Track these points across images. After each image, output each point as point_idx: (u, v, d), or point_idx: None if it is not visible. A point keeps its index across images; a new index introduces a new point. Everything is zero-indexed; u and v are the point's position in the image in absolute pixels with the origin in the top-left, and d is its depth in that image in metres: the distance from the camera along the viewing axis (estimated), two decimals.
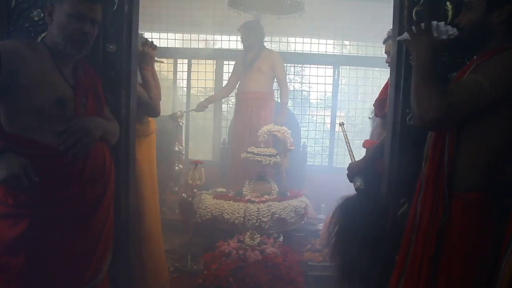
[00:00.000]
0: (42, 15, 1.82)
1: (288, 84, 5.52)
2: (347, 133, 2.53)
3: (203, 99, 4.71)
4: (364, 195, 2.02)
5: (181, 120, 4.20)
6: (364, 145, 2.60)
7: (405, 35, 1.49)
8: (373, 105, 2.56)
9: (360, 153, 2.65)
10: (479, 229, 1.39)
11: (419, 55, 1.42)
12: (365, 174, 2.10)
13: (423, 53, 1.41)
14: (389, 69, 2.10)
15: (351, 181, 2.16)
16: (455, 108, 1.33)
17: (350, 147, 2.43)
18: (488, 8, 1.38)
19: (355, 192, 2.07)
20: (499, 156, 1.38)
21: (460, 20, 1.45)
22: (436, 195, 1.42)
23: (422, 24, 1.43)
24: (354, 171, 2.14)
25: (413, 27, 1.45)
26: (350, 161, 2.23)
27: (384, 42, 2.53)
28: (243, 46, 4.31)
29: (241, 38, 4.28)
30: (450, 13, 1.75)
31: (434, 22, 1.44)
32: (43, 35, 1.78)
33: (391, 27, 2.50)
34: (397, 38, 1.65)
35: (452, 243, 1.41)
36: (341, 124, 2.70)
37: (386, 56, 2.50)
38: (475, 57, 1.53)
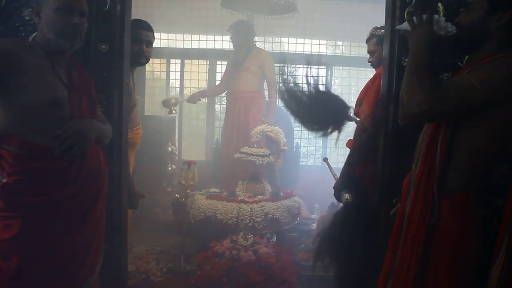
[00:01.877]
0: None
1: (281, 84, 5.53)
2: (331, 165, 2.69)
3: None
4: (353, 207, 2.02)
5: (175, 108, 4.02)
6: (347, 145, 2.60)
7: (405, 25, 1.49)
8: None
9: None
10: (466, 229, 1.41)
11: (416, 46, 1.42)
12: (349, 187, 2.10)
13: (421, 44, 1.40)
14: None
15: (339, 199, 2.15)
16: (444, 104, 1.34)
17: (335, 174, 2.49)
18: (490, 10, 1.39)
19: (344, 206, 2.07)
20: (489, 157, 1.40)
21: (460, 20, 1.46)
22: (427, 195, 1.43)
23: (424, 16, 1.43)
24: (338, 188, 2.14)
25: (414, 18, 1.45)
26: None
27: (367, 41, 2.47)
28: (233, 46, 4.33)
29: (230, 38, 4.29)
30: (441, 14, 1.77)
31: (436, 16, 1.44)
32: (34, 34, 1.76)
33: (374, 26, 2.49)
34: (396, 27, 1.64)
35: (440, 243, 1.42)
36: (325, 160, 2.74)
37: (369, 55, 2.46)
38: (467, 57, 1.54)
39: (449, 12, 1.74)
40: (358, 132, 2.12)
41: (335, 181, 2.27)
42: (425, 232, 1.42)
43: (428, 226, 1.42)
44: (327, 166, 2.66)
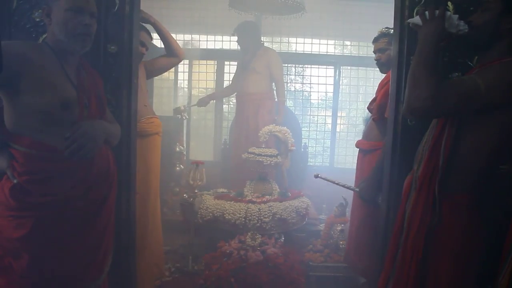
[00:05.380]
0: None
1: (289, 84, 5.53)
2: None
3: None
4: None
5: (184, 114, 4.29)
6: (357, 145, 2.59)
7: (417, 19, 1.48)
8: (367, 108, 2.55)
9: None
10: (467, 231, 1.40)
11: (425, 40, 1.41)
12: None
13: (430, 39, 1.40)
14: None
15: (374, 200, 2.19)
16: (446, 101, 1.33)
17: (341, 184, 2.52)
18: (503, 11, 1.38)
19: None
20: (491, 159, 1.39)
21: (473, 19, 1.45)
22: (428, 197, 1.42)
23: (437, 11, 1.42)
24: (373, 192, 2.19)
25: (426, 13, 1.44)
26: (357, 189, 2.28)
27: (377, 39, 2.48)
28: (240, 48, 4.32)
29: (237, 40, 4.28)
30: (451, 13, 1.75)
31: (448, 13, 1.43)
32: (44, 36, 1.78)
33: (383, 26, 2.49)
34: (408, 20, 1.63)
35: (441, 245, 1.41)
36: (316, 176, 2.75)
37: (375, 54, 2.49)
38: (476, 57, 1.53)
39: (459, 11, 1.72)
40: None
41: (360, 187, 2.30)
42: (425, 234, 1.41)
43: (428, 228, 1.41)
44: (325, 180, 2.67)
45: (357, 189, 2.37)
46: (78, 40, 1.56)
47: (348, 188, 2.49)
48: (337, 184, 2.56)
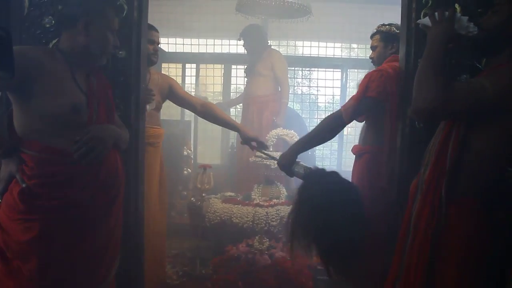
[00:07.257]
0: (53, 22, 1.86)
1: (296, 87, 5.53)
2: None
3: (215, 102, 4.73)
4: (314, 175, 2.06)
5: None
6: (352, 151, 2.55)
7: (426, 20, 1.47)
8: None
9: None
10: (474, 234, 1.38)
11: (433, 42, 1.40)
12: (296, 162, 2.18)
13: (438, 40, 1.39)
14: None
15: (290, 171, 2.18)
16: (453, 103, 1.32)
17: (270, 155, 2.56)
18: None
19: (305, 176, 2.10)
20: (499, 162, 1.38)
21: (483, 21, 1.44)
22: (434, 201, 1.41)
23: (446, 13, 1.42)
24: (288, 157, 2.18)
25: (436, 13, 1.44)
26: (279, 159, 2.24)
27: (372, 36, 2.41)
28: (246, 52, 4.33)
29: (243, 44, 4.29)
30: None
31: (458, 14, 1.43)
32: (54, 41, 1.80)
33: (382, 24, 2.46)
34: (417, 21, 1.62)
35: (447, 249, 1.39)
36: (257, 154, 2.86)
37: (371, 51, 2.41)
38: (484, 60, 1.52)
39: (467, 13, 1.71)
40: (334, 117, 2.16)
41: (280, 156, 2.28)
42: (431, 238, 1.40)
43: (435, 231, 1.40)
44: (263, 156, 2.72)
45: (278, 158, 2.32)
46: (106, 57, 1.69)
47: (271, 157, 2.51)
48: (262, 152, 2.60)
